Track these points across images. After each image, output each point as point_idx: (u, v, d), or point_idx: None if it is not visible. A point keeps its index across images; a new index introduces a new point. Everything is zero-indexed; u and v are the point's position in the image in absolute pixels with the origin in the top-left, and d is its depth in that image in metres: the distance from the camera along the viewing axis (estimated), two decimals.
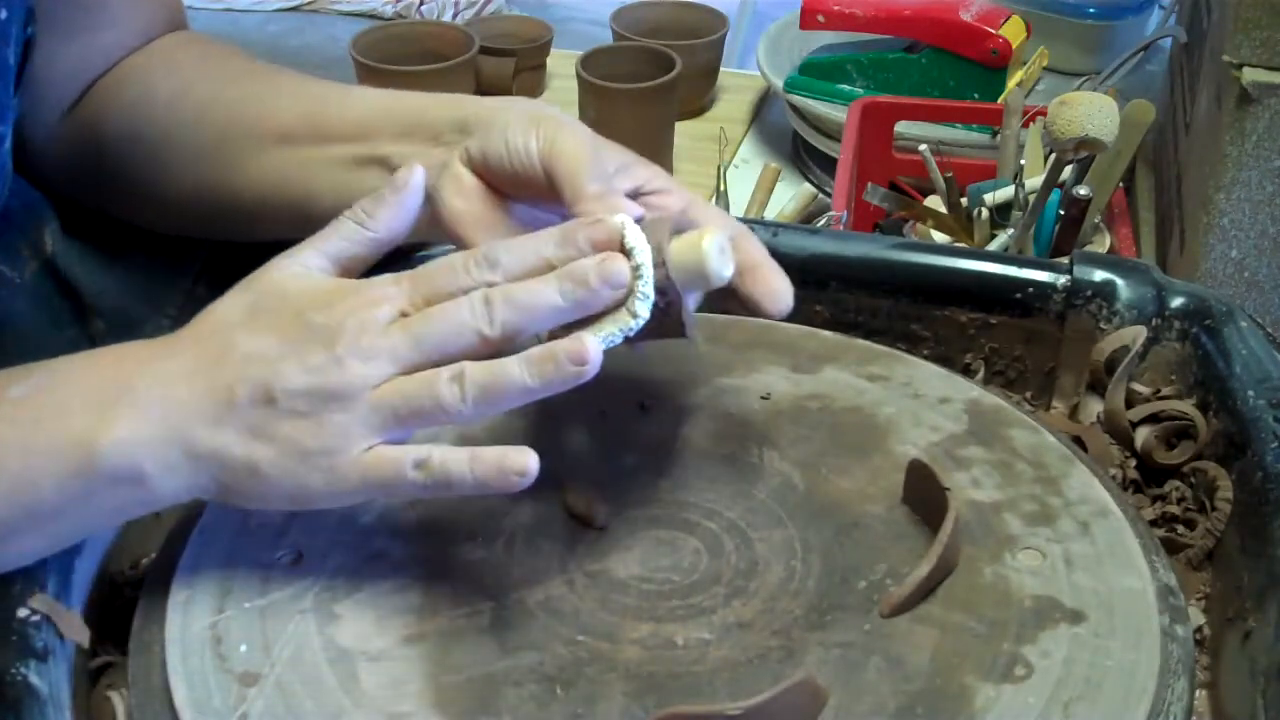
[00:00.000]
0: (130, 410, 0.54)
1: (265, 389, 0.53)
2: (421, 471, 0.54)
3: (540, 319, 0.54)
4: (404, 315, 0.55)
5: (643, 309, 0.55)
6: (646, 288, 0.55)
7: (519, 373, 0.53)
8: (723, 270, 0.56)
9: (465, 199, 0.64)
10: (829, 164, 1.38)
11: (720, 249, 0.56)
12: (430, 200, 0.64)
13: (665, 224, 0.57)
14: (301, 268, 0.57)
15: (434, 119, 0.66)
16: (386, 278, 0.56)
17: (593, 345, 0.53)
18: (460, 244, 0.63)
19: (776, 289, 0.62)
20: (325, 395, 0.53)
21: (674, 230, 0.57)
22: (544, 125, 0.62)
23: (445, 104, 0.68)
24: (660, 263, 0.56)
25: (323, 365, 0.53)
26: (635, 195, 0.64)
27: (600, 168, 0.61)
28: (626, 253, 0.55)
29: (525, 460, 0.54)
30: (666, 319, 0.57)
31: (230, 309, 0.57)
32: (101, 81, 0.76)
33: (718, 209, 0.67)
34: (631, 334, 0.55)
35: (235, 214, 0.73)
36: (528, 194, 0.64)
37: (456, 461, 0.54)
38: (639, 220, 0.57)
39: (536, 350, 0.54)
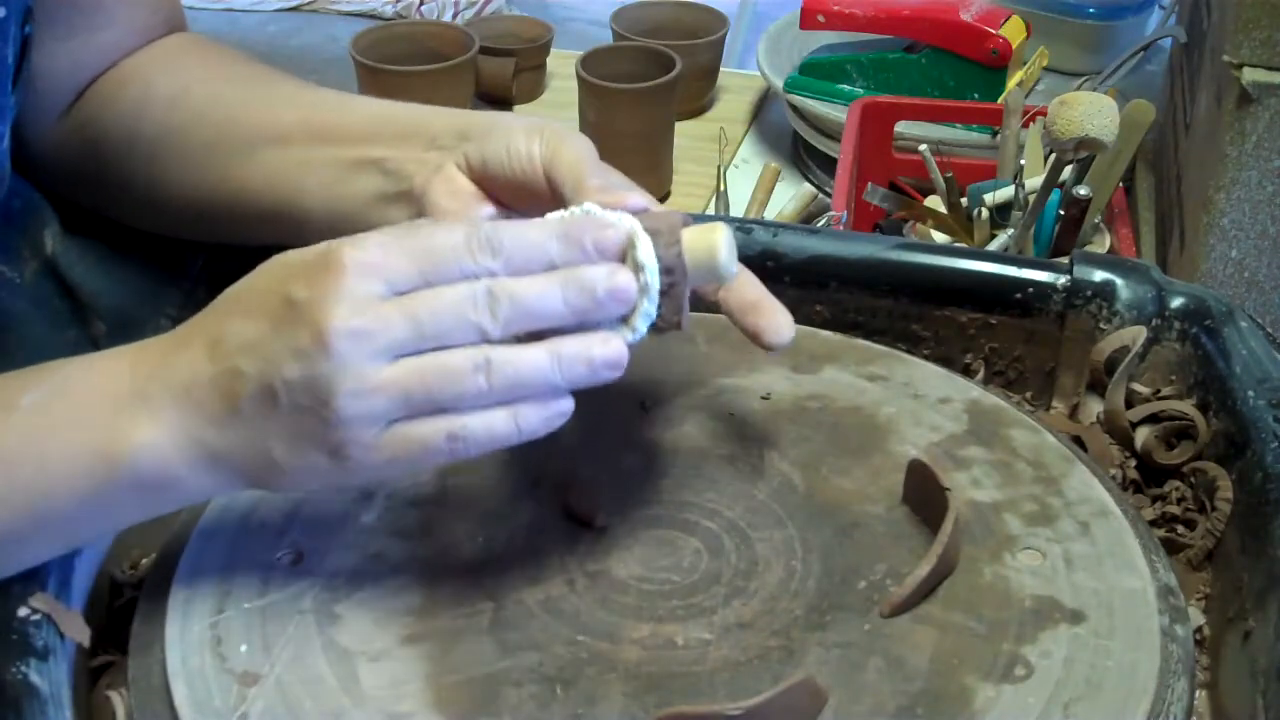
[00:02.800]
0: (148, 419, 0.53)
1: (263, 384, 0.52)
2: (458, 442, 0.53)
3: (542, 322, 0.53)
4: (398, 293, 0.52)
5: (643, 326, 0.55)
6: (650, 306, 0.55)
7: (549, 368, 0.52)
8: (730, 265, 0.56)
9: (455, 200, 0.63)
10: (829, 164, 1.38)
11: (729, 244, 0.56)
12: (419, 202, 0.65)
13: (678, 215, 0.57)
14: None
15: (434, 125, 0.66)
16: (374, 237, 0.52)
17: (623, 351, 0.53)
18: None
19: (780, 322, 0.62)
20: (322, 384, 0.51)
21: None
22: (547, 134, 0.63)
23: (447, 112, 0.68)
24: (675, 241, 0.55)
25: (311, 351, 0.51)
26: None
27: (603, 170, 0.61)
28: (636, 266, 0.54)
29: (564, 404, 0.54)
30: (668, 302, 0.56)
31: (228, 294, 0.55)
32: (100, 82, 0.76)
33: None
34: (630, 345, 0.55)
35: (229, 216, 0.73)
36: (524, 202, 0.63)
37: (502, 421, 0.53)
38: (641, 213, 0.57)
39: (569, 349, 0.53)
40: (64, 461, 0.53)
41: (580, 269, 0.53)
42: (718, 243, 0.55)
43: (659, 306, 0.55)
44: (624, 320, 0.55)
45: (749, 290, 0.62)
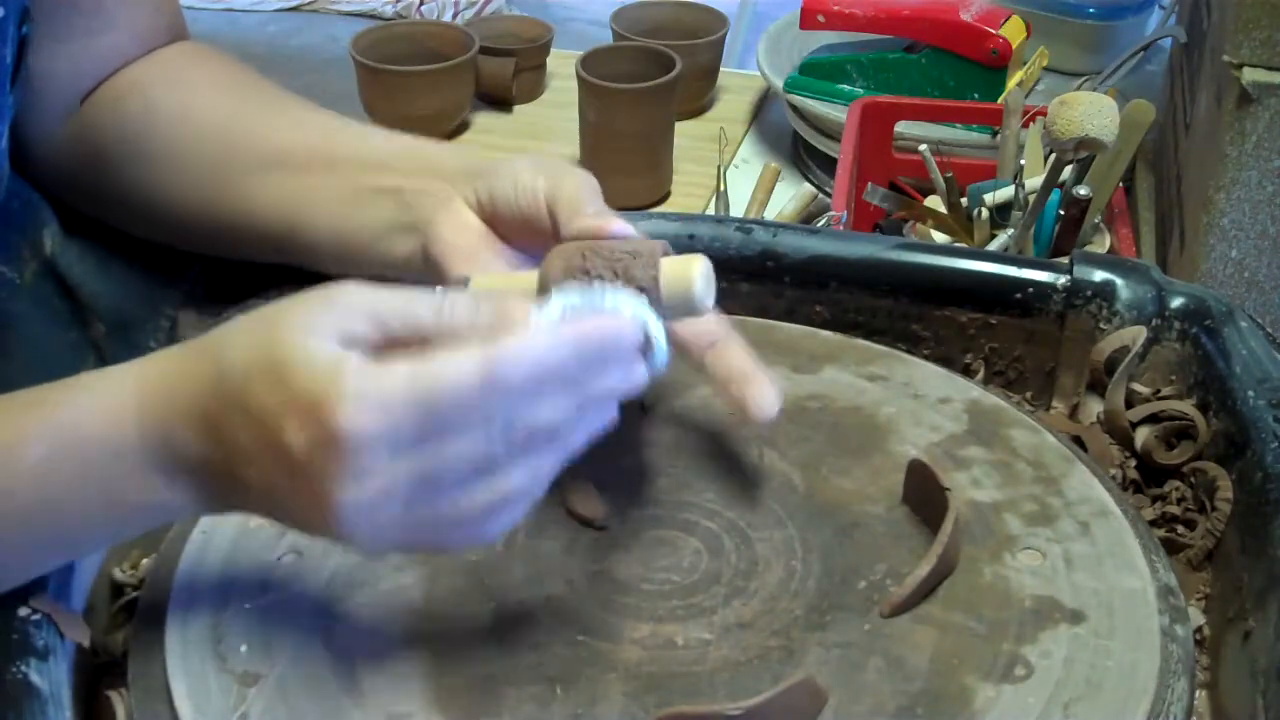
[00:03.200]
0: (165, 487, 0.52)
1: (267, 501, 0.51)
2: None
3: (558, 453, 0.51)
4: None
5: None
6: (657, 363, 0.54)
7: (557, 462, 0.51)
8: (706, 298, 0.56)
9: (461, 236, 0.64)
10: (829, 164, 1.38)
11: (707, 277, 0.56)
12: (425, 234, 0.65)
13: (658, 245, 0.57)
14: (318, 342, 0.49)
15: (447, 163, 0.67)
16: (375, 392, 0.47)
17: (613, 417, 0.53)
18: (441, 279, 0.63)
19: (768, 395, 0.61)
20: (329, 528, 0.50)
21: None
22: (551, 168, 0.64)
23: (460, 151, 0.69)
24: (653, 265, 0.56)
25: (316, 520, 0.49)
26: None
27: (600, 203, 0.61)
28: (646, 342, 0.53)
29: None
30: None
31: (223, 368, 0.50)
32: (102, 91, 0.75)
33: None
34: None
35: (232, 234, 0.73)
36: (528, 237, 0.64)
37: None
38: (623, 239, 0.58)
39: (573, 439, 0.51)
40: (80, 514, 0.53)
41: (595, 385, 0.51)
42: (695, 273, 0.56)
43: None
44: None
45: (738, 359, 0.62)
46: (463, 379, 0.48)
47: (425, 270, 0.66)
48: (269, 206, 0.71)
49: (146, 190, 0.74)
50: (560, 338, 0.49)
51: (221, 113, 0.74)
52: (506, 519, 0.51)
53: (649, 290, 0.55)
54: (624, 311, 0.53)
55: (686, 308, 0.56)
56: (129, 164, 0.74)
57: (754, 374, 0.62)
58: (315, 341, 0.48)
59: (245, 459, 0.50)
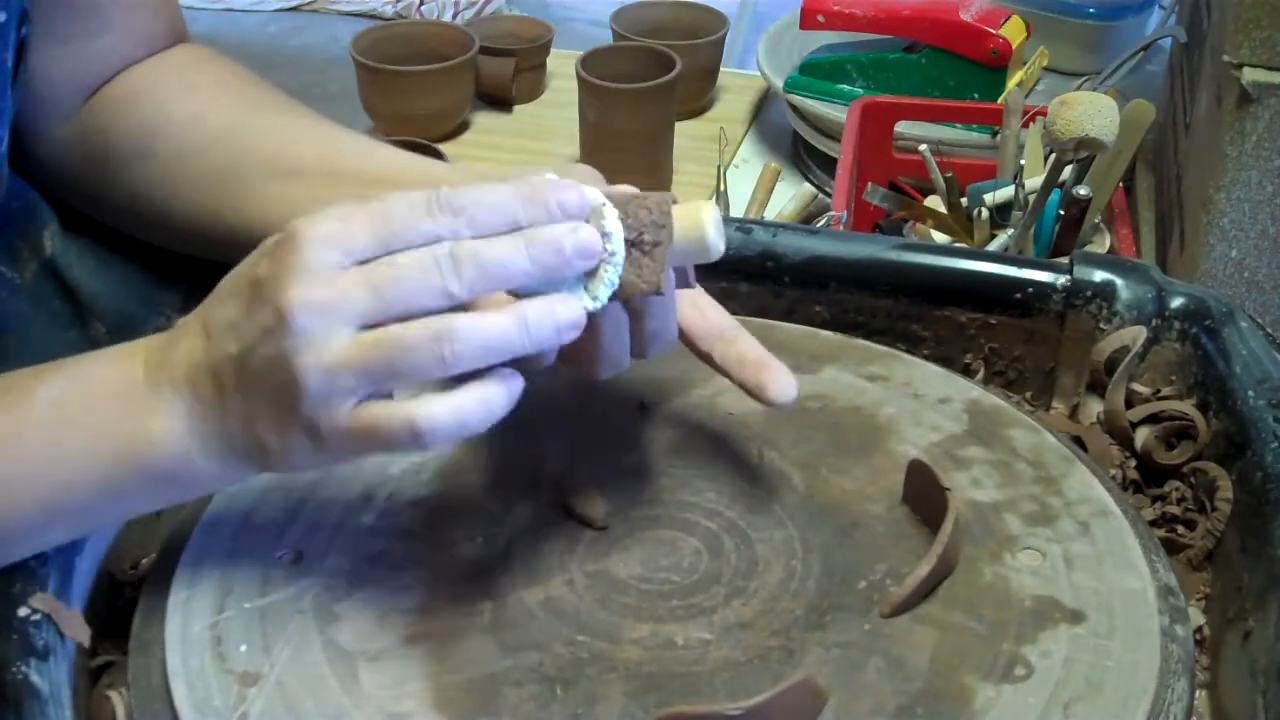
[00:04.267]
0: (162, 411, 0.54)
1: (242, 364, 0.52)
2: (420, 436, 0.51)
3: (507, 283, 0.52)
4: (359, 262, 0.51)
5: (604, 294, 0.54)
6: (614, 275, 0.54)
7: (516, 333, 0.51)
8: (718, 241, 0.56)
9: None
10: (829, 164, 1.38)
11: (718, 223, 0.56)
12: None
13: (667, 195, 0.57)
14: None
15: (449, 179, 0.65)
16: (333, 209, 0.52)
17: (582, 315, 0.53)
18: None
19: (786, 381, 0.62)
20: (287, 360, 0.51)
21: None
22: (557, 168, 0.62)
23: (462, 172, 0.69)
24: (665, 210, 0.55)
25: (274, 328, 0.51)
26: None
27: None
28: (602, 233, 0.54)
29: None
30: (650, 263, 0.55)
31: (222, 280, 0.55)
32: (107, 93, 0.75)
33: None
34: (591, 313, 0.54)
35: (234, 241, 0.72)
36: None
37: (470, 411, 0.52)
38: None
39: (534, 310, 0.52)
40: (82, 456, 0.54)
41: (544, 228, 0.53)
42: (706, 214, 0.56)
43: (643, 268, 0.55)
44: (586, 288, 0.54)
45: (750, 350, 0.63)
46: (413, 198, 0.52)
47: None
48: (273, 214, 0.70)
49: (153, 193, 0.74)
50: (505, 184, 0.53)
51: (235, 121, 0.74)
52: (454, 359, 0.51)
53: (664, 226, 0.55)
54: (575, 184, 0.54)
55: (699, 249, 0.56)
56: (137, 167, 0.74)
57: (770, 360, 0.62)
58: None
59: (227, 330, 0.53)
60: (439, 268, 0.51)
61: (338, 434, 0.52)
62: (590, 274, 0.54)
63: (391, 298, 0.51)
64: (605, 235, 0.54)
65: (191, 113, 0.74)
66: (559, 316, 0.52)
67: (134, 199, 0.75)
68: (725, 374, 0.63)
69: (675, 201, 0.57)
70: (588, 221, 0.54)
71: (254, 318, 0.52)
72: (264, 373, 0.52)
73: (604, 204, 0.55)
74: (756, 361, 0.62)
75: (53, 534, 0.57)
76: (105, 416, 0.54)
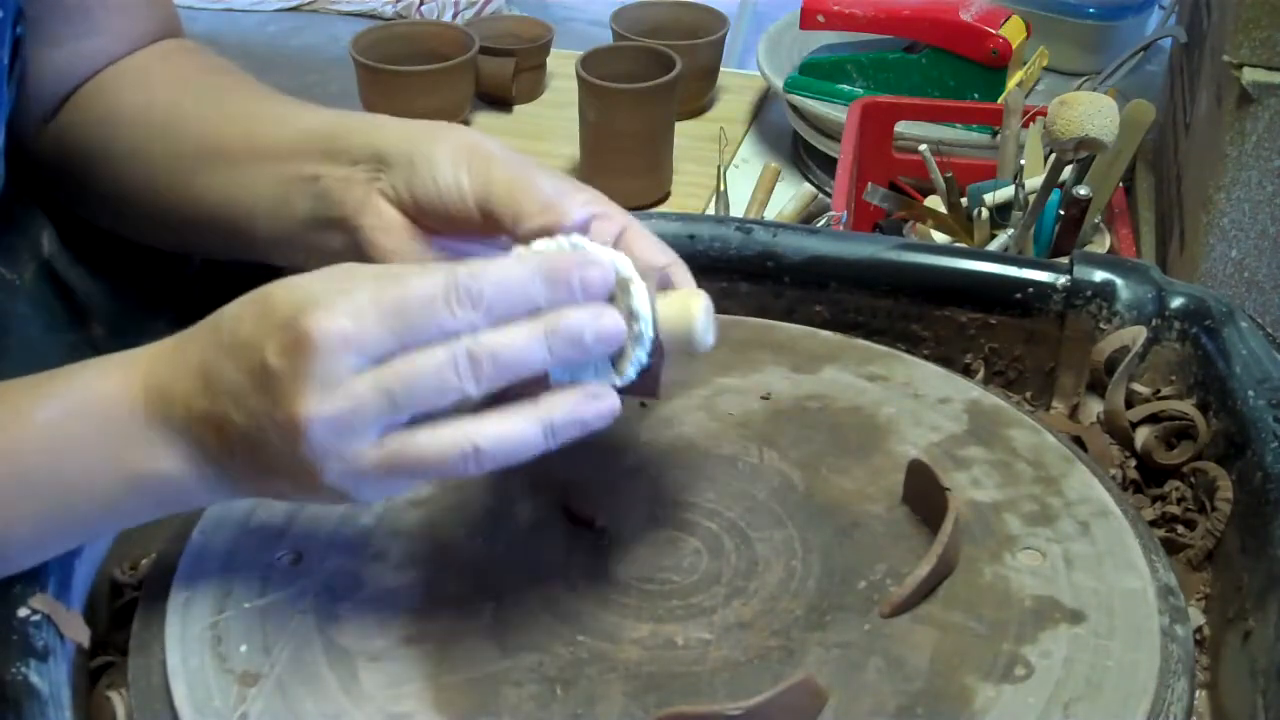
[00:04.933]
0: (163, 449, 0.53)
1: (250, 438, 0.51)
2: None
3: (525, 374, 0.51)
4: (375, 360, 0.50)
5: (633, 372, 0.53)
6: (642, 354, 0.53)
7: (539, 439, 0.51)
8: (707, 337, 0.54)
9: (389, 236, 0.61)
10: (829, 164, 1.38)
11: (707, 313, 0.54)
12: (353, 231, 0.63)
13: (651, 280, 0.54)
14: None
15: (350, 144, 0.64)
16: (346, 299, 0.50)
17: (616, 405, 0.52)
18: None
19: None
20: (305, 464, 0.50)
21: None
22: (474, 162, 0.60)
23: (361, 129, 0.65)
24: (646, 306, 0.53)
25: (289, 434, 0.50)
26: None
27: (538, 191, 0.58)
28: (630, 314, 0.52)
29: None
30: (646, 377, 0.55)
31: (222, 319, 0.53)
32: (80, 91, 0.74)
33: (654, 238, 0.62)
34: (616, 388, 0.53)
35: (185, 228, 0.71)
36: (459, 231, 0.61)
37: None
38: (586, 224, 0.56)
39: (560, 415, 0.51)
40: (83, 480, 0.54)
41: (565, 313, 0.51)
42: (694, 317, 0.54)
43: (640, 379, 0.54)
44: (613, 363, 0.53)
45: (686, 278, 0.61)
46: (428, 288, 0.50)
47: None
48: (211, 201, 0.69)
49: (118, 189, 0.73)
50: (526, 263, 0.51)
51: (176, 107, 0.72)
52: (478, 468, 0.51)
53: (653, 352, 0.54)
54: (601, 258, 0.52)
55: (687, 349, 0.54)
56: (101, 164, 0.73)
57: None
58: (299, 278, 0.51)
59: (232, 398, 0.51)
60: (456, 370, 0.50)
61: (365, 493, 0.53)
62: (618, 353, 0.53)
63: (407, 405, 0.50)
64: (633, 314, 0.52)
65: (140, 104, 0.73)
66: (585, 418, 0.52)
67: (100, 194, 0.74)
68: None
69: (664, 282, 0.55)
70: (613, 299, 0.52)
71: (264, 405, 0.50)
72: (280, 465, 0.52)
73: (631, 279, 0.53)
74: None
75: (52, 547, 0.57)
76: (106, 446, 0.53)
